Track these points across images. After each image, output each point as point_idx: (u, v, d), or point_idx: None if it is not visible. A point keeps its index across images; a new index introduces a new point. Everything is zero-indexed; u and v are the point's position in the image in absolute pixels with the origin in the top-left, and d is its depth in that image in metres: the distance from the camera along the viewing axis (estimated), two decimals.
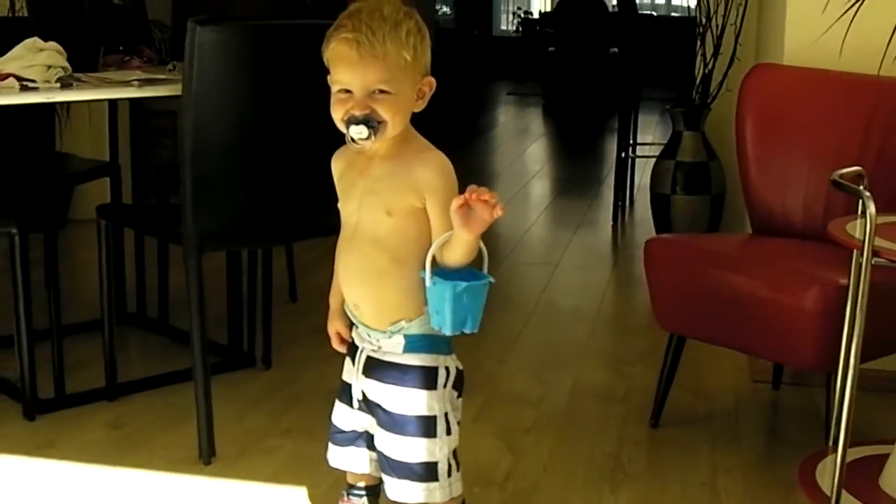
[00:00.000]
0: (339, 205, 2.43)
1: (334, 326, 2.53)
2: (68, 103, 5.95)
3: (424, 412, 2.36)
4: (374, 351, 2.40)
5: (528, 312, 4.96)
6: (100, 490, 3.16)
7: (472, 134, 10.92)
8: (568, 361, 4.30)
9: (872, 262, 2.74)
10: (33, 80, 3.46)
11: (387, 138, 2.29)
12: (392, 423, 2.38)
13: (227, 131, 3.32)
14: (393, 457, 2.38)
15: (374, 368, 2.40)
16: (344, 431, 2.53)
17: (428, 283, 2.24)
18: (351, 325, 2.48)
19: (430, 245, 2.27)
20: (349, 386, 2.48)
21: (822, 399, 3.42)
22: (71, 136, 6.01)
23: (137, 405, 3.75)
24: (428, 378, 2.37)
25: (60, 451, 3.38)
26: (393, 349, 2.37)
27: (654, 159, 6.40)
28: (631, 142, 7.52)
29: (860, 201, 2.79)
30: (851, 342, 2.88)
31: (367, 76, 2.24)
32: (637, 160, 7.74)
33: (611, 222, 6.95)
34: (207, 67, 3.24)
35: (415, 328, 2.36)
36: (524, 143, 11.10)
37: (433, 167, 2.32)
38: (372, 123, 2.24)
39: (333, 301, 2.53)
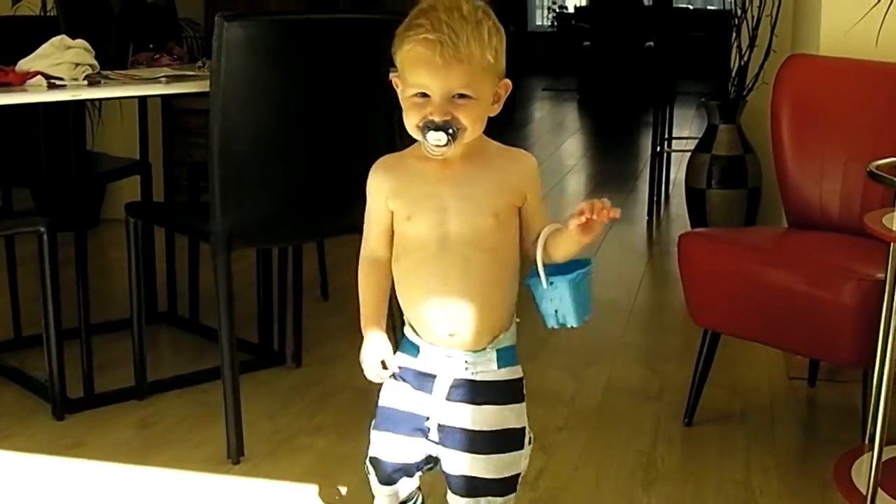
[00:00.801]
0: (404, 223, 2.21)
1: (378, 354, 2.26)
2: (100, 102, 5.97)
3: (517, 425, 2.25)
4: (462, 373, 2.22)
5: None
6: (128, 490, 3.15)
7: (507, 129, 10.88)
8: (601, 358, 4.26)
9: None
10: (61, 78, 3.44)
11: (462, 144, 2.14)
12: (483, 442, 2.23)
13: (255, 127, 3.30)
14: (481, 475, 2.24)
15: (464, 391, 2.23)
16: (396, 464, 2.32)
17: (545, 283, 2.16)
18: (395, 348, 2.30)
19: (524, 244, 2.22)
20: (408, 417, 2.27)
21: (859, 396, 3.37)
22: (103, 136, 6.01)
23: (167, 404, 3.73)
24: (519, 390, 2.27)
25: (89, 451, 3.36)
26: (485, 367, 2.23)
27: (689, 153, 6.35)
28: (666, 136, 7.47)
29: None
30: (889, 337, 2.83)
31: (449, 80, 2.08)
32: (673, 154, 7.68)
33: (646, 217, 6.90)
34: (235, 63, 3.21)
35: (507, 339, 2.25)
36: (560, 138, 11.05)
37: (528, 164, 2.25)
38: (451, 130, 2.09)
39: (373, 328, 2.27)
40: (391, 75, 2.19)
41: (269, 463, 3.30)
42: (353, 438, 3.41)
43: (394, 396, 2.29)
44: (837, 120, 3.71)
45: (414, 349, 2.25)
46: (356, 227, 3.61)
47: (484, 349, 2.22)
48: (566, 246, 2.16)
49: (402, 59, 2.13)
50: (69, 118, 3.76)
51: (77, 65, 3.51)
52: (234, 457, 3.28)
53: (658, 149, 7.13)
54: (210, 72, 3.26)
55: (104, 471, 3.25)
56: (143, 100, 4.54)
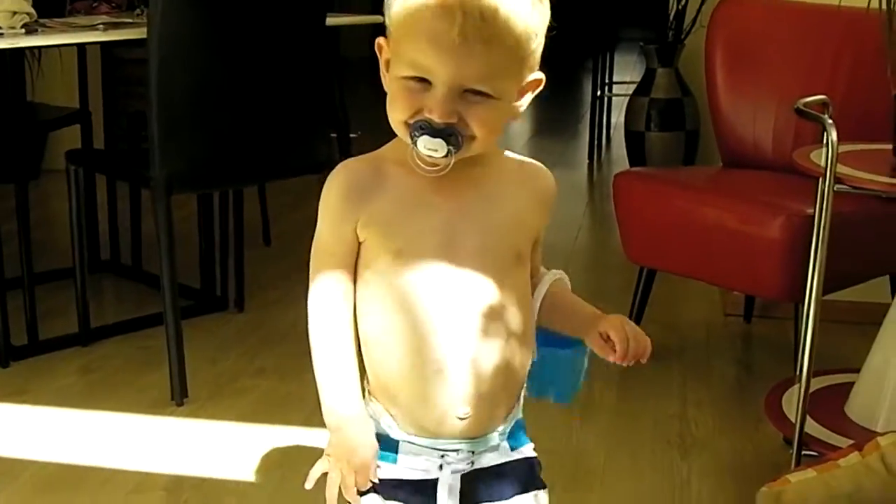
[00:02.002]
0: (388, 262, 1.59)
1: (367, 449, 1.62)
2: (39, 51, 5.93)
3: None
4: (465, 467, 1.65)
5: None
6: (73, 434, 3.17)
7: None
8: None
9: (835, 189, 2.74)
10: None
11: (467, 156, 1.55)
12: None
13: (193, 73, 3.31)
14: None
15: (481, 486, 1.67)
16: None
17: (536, 354, 1.72)
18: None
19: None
20: None
21: (792, 331, 3.44)
22: (43, 86, 5.97)
23: (110, 350, 3.75)
24: (538, 469, 1.74)
25: (34, 397, 3.39)
26: (492, 452, 1.68)
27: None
28: (607, 81, 7.52)
29: (824, 129, 2.79)
30: (817, 271, 2.89)
31: (463, 68, 1.48)
32: (614, 99, 7.73)
33: (587, 161, 6.96)
34: (172, 9, 3.22)
35: (518, 413, 1.72)
36: None
37: (551, 185, 1.72)
38: (455, 138, 1.50)
39: (352, 406, 1.63)
40: (379, 38, 1.59)
41: (212, 404, 3.33)
42: (295, 380, 3.45)
43: None
44: (770, 60, 3.77)
45: (390, 449, 1.64)
46: (295, 171, 3.67)
47: (493, 431, 1.66)
48: (570, 325, 1.75)
49: (398, 21, 1.53)
50: (7, 67, 3.76)
51: (14, 13, 3.49)
52: (178, 399, 3.32)
53: (599, 93, 7.19)
54: (147, 18, 3.27)
55: (49, 416, 3.28)
56: (82, 49, 4.53)
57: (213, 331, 3.93)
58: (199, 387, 3.41)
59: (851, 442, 2.66)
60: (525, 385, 1.70)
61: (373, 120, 7.43)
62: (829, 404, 3.08)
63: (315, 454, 2.83)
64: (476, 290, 1.59)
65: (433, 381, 1.59)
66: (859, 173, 2.81)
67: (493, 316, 1.60)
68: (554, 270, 1.80)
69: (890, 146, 3.00)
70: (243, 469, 2.97)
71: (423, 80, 1.50)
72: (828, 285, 3.04)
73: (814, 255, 2.89)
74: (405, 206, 1.59)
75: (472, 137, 1.52)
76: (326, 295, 1.63)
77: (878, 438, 2.57)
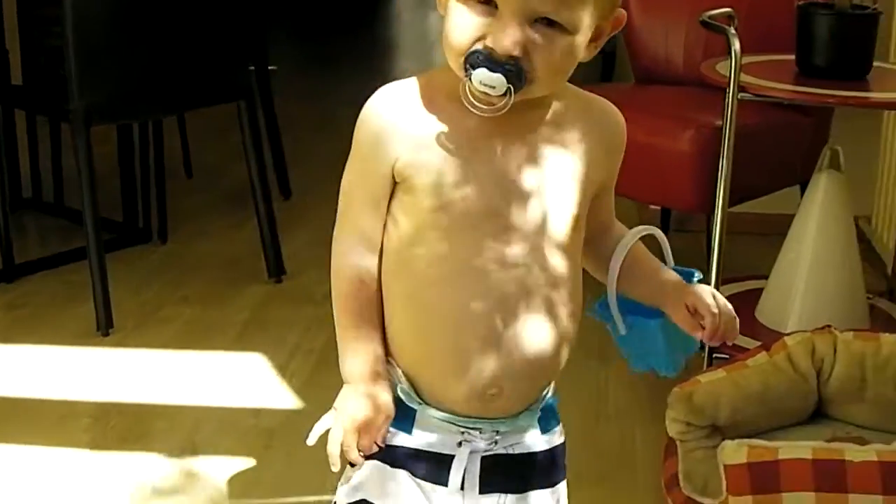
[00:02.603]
0: (426, 211, 1.41)
1: (380, 412, 1.45)
2: None
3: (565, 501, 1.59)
4: (488, 448, 1.48)
5: None
6: (1, 368, 3.20)
7: (371, 10, 10.85)
8: None
9: (739, 97, 2.81)
10: None
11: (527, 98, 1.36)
12: None
13: (107, 2, 3.32)
14: None
15: (500, 473, 1.49)
16: None
17: (621, 328, 1.56)
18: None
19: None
20: None
21: (706, 242, 3.51)
22: None
23: (35, 286, 3.76)
24: (562, 458, 1.58)
25: None
26: (521, 435, 1.50)
27: None
28: None
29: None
30: (724, 181, 2.95)
31: None
32: None
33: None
34: None
35: (550, 392, 1.55)
36: (427, 14, 11.03)
37: (621, 127, 1.54)
38: (519, 74, 1.32)
39: (372, 373, 1.45)
40: None
41: (137, 334, 3.37)
42: (219, 307, 3.51)
43: (381, 497, 1.49)
44: None
45: (407, 419, 1.47)
46: (212, 100, 3.68)
47: (525, 410, 1.49)
48: (649, 295, 1.55)
49: None
50: None
51: None
52: (104, 329, 3.34)
53: None
54: None
55: None
56: None
57: (137, 263, 3.95)
58: (125, 317, 3.44)
59: (760, 344, 2.74)
60: (627, 358, 1.58)
61: (294, 56, 7.44)
62: (739, 310, 3.13)
63: (239, 376, 2.88)
64: (525, 258, 1.41)
65: (464, 354, 1.42)
66: (763, 82, 2.88)
67: (541, 288, 1.43)
68: (640, 227, 1.57)
69: (793, 56, 3.07)
70: (169, 394, 3.02)
71: (487, 3, 1.32)
72: (737, 196, 3.12)
73: (721, 166, 2.95)
74: (454, 150, 1.39)
75: (536, 77, 1.33)
76: (348, 238, 1.46)
77: (786, 338, 2.65)
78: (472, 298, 1.40)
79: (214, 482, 2.62)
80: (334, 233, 1.47)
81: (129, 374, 3.13)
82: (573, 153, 1.44)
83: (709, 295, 1.50)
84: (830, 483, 2.09)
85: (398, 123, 1.40)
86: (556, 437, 1.54)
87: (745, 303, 3.19)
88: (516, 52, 1.31)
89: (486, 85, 1.31)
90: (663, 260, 1.59)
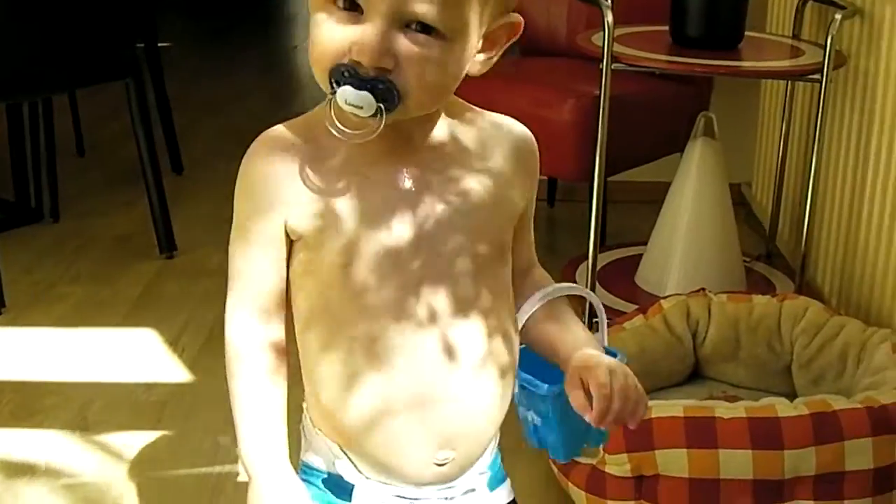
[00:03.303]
0: (333, 265, 1.22)
1: None
2: None
3: None
4: None
5: None
6: None
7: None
8: None
9: (613, 68, 2.89)
10: None
11: (405, 118, 1.18)
12: None
13: None
14: None
15: None
16: None
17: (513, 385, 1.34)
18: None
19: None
20: None
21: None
22: None
23: None
24: None
25: None
26: (468, 496, 1.34)
27: None
28: None
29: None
30: (601, 148, 3.03)
31: None
32: None
33: None
34: None
35: (496, 443, 1.39)
36: None
37: (533, 147, 1.35)
38: (388, 92, 1.13)
39: (278, 465, 1.26)
40: None
41: (29, 312, 3.38)
42: (111, 285, 3.53)
43: None
44: None
45: (343, 494, 1.30)
46: (98, 78, 3.69)
47: (470, 470, 1.33)
48: (549, 353, 1.33)
49: None
50: None
51: None
52: None
53: None
54: None
55: None
56: None
57: (29, 242, 3.94)
58: (17, 296, 3.45)
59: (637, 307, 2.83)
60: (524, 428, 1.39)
61: (190, 32, 7.42)
62: (620, 276, 3.27)
63: (131, 352, 2.91)
64: (452, 301, 1.23)
65: (402, 421, 1.24)
66: (636, 52, 2.97)
67: (475, 333, 1.25)
68: (568, 284, 1.38)
69: (667, 27, 3.16)
70: (62, 370, 3.04)
71: (354, 7, 1.13)
72: (618, 165, 3.21)
73: (598, 134, 3.03)
74: (353, 191, 1.20)
75: (409, 94, 1.14)
76: (240, 319, 1.26)
77: (662, 301, 2.74)
78: (395, 362, 1.22)
79: (108, 457, 2.66)
80: (227, 294, 1.27)
81: (21, 353, 3.15)
82: (491, 176, 1.26)
83: (605, 372, 1.22)
84: (701, 439, 2.18)
85: (282, 177, 1.20)
86: (505, 494, 1.39)
87: (626, 269, 3.29)
88: (386, 65, 1.12)
89: (352, 105, 1.12)
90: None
